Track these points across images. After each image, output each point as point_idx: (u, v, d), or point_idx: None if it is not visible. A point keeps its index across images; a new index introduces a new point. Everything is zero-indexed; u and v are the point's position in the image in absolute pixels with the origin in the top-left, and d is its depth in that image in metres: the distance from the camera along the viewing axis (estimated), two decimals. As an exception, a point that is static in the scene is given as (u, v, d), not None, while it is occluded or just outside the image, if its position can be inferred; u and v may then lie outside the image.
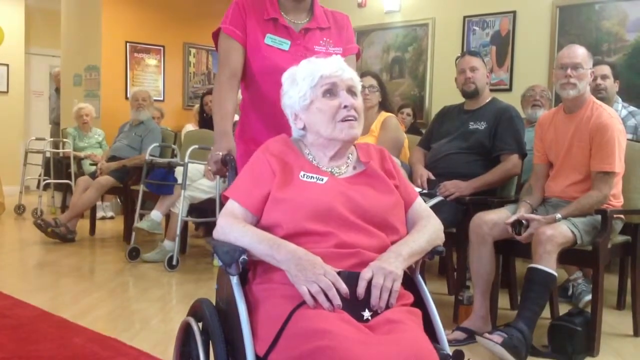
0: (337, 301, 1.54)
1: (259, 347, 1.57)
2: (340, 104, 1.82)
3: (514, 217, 3.19)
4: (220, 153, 2.15)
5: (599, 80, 4.09)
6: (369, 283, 1.59)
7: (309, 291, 1.54)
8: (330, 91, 1.84)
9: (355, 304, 1.57)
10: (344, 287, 1.56)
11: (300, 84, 1.86)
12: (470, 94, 3.86)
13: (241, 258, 1.64)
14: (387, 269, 1.60)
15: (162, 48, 8.67)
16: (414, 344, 1.46)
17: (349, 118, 1.82)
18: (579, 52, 3.26)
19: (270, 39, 2.33)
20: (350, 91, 1.85)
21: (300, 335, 1.48)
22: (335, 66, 1.86)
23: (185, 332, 1.93)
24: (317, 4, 2.45)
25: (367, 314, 1.57)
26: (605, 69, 4.14)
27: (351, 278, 1.59)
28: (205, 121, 6.44)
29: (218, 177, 4.72)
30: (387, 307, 1.59)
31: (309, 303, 1.54)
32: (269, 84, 2.25)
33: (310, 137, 1.88)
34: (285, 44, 2.33)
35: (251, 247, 1.68)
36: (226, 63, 2.35)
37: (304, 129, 1.89)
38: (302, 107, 1.87)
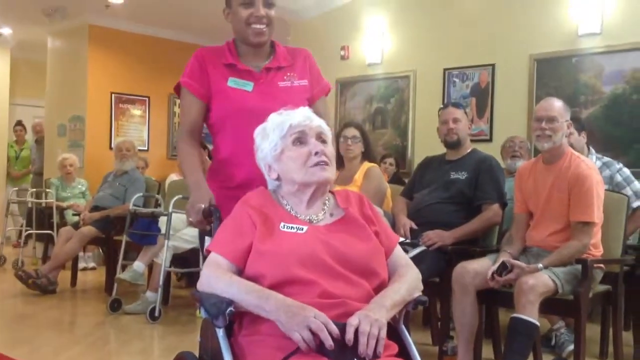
0: (329, 342, 1.54)
1: None
2: (310, 151, 1.85)
3: (499, 262, 3.21)
4: (203, 205, 2.12)
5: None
6: (356, 332, 1.59)
7: (302, 338, 1.55)
8: (300, 139, 1.87)
9: (344, 354, 1.57)
10: (334, 329, 1.57)
11: (270, 136, 1.91)
12: (453, 145, 3.93)
13: (228, 310, 1.65)
14: (372, 317, 1.62)
15: (147, 99, 8.74)
16: None
17: (320, 163, 1.85)
18: (555, 105, 3.35)
19: (233, 82, 2.34)
20: (320, 138, 1.89)
21: None
22: (303, 116, 1.90)
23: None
24: (278, 45, 2.46)
25: None
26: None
27: (338, 328, 1.59)
28: None
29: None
30: (376, 355, 1.59)
31: (303, 348, 1.55)
32: (238, 126, 2.27)
33: (285, 186, 1.91)
34: (248, 85, 2.34)
35: (239, 299, 1.68)
36: (187, 117, 2.39)
37: (278, 179, 1.92)
38: (274, 158, 1.90)
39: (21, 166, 9.48)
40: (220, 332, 1.71)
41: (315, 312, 1.59)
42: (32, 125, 9.72)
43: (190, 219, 2.14)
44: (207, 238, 2.10)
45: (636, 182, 4.18)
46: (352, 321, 1.60)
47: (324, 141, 1.90)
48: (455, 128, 3.88)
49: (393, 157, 6.49)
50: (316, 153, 1.85)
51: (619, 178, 4.17)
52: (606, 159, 4.32)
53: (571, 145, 4.05)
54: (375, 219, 1.93)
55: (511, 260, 3.20)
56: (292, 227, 1.81)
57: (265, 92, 2.31)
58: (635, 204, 4.09)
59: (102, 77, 8.32)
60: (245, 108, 2.27)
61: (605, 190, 3.43)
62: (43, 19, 8.24)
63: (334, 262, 1.74)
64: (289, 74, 2.40)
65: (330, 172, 1.88)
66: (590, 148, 4.34)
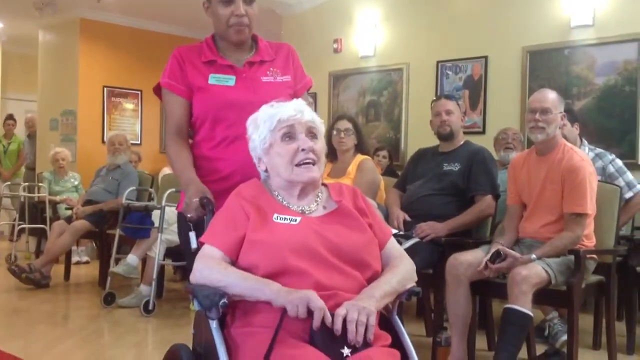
0: (318, 323, 1.57)
1: None
2: (298, 147, 1.84)
3: (493, 250, 3.22)
4: (196, 199, 2.09)
5: None
6: (345, 323, 1.60)
7: (297, 312, 1.57)
8: (289, 134, 1.86)
9: (334, 343, 1.58)
10: (329, 316, 1.59)
11: (260, 128, 1.90)
12: (446, 136, 3.93)
13: (221, 302, 1.65)
14: (360, 305, 1.63)
15: (139, 92, 8.71)
16: None
17: (307, 161, 1.84)
18: (549, 97, 3.36)
19: (214, 79, 2.30)
20: (311, 133, 1.87)
21: None
22: (293, 109, 1.88)
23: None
24: (260, 39, 2.42)
25: (346, 351, 1.58)
26: None
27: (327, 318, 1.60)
28: None
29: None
30: (366, 342, 1.60)
31: (291, 313, 1.57)
32: (221, 120, 2.26)
33: (274, 179, 1.91)
34: (230, 80, 2.30)
35: (236, 286, 1.68)
36: (171, 117, 2.35)
37: (267, 171, 1.92)
38: (263, 151, 1.90)
39: (9, 161, 9.42)
40: (214, 324, 1.71)
41: (316, 294, 1.61)
42: (25, 120, 9.68)
43: (190, 215, 2.10)
44: (191, 234, 2.09)
45: (628, 173, 4.20)
46: (340, 311, 1.61)
47: (314, 136, 1.88)
48: (448, 120, 3.89)
49: (386, 149, 6.49)
50: (303, 150, 1.84)
51: (611, 169, 4.18)
52: (599, 150, 4.33)
53: (564, 137, 4.07)
54: (369, 212, 1.93)
55: (505, 249, 3.21)
56: (285, 218, 1.82)
57: (248, 86, 2.29)
58: (627, 195, 4.10)
59: (94, 70, 8.29)
60: (227, 101, 2.25)
61: (598, 181, 3.44)
62: (34, 13, 8.18)
63: (327, 253, 1.74)
64: (271, 69, 2.37)
65: (317, 171, 1.86)
66: (583, 139, 4.35)
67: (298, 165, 1.84)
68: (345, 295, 1.69)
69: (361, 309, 1.61)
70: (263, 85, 2.31)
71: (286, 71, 2.40)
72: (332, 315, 1.61)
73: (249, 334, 1.68)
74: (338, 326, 1.58)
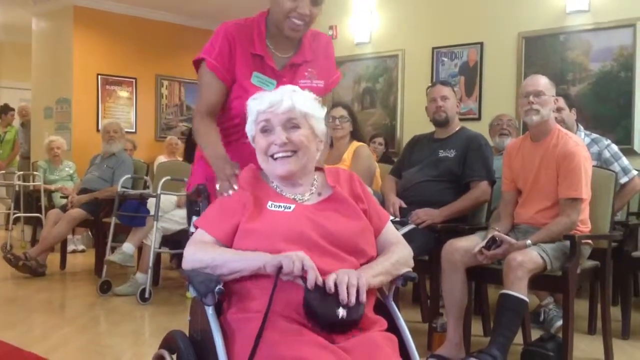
0: (312, 283, 1.60)
1: None
2: (273, 141, 1.83)
3: (489, 236, 3.23)
4: (229, 170, 2.01)
5: (554, 114, 4.17)
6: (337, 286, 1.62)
7: (293, 266, 1.60)
8: (266, 127, 1.85)
9: (328, 303, 1.60)
10: (320, 278, 1.61)
11: (249, 119, 1.91)
12: (441, 123, 3.93)
13: (217, 288, 1.65)
14: (350, 270, 1.66)
15: (134, 80, 8.68)
16: None
17: (280, 155, 1.83)
18: (541, 81, 3.37)
19: (256, 79, 2.23)
20: (291, 122, 1.84)
21: None
22: (271, 100, 1.85)
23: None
24: (305, 34, 2.31)
25: (341, 311, 1.59)
26: (560, 101, 4.21)
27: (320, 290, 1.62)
28: (194, 149, 6.26)
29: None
30: (359, 302, 1.61)
31: (287, 268, 1.61)
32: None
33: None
34: (271, 84, 2.22)
35: (232, 259, 1.70)
36: (207, 98, 2.27)
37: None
38: (251, 141, 1.92)
39: (5, 150, 9.39)
40: (210, 310, 1.71)
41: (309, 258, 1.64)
42: (18, 109, 9.64)
43: (233, 186, 1.96)
44: (194, 218, 2.09)
45: (624, 159, 4.20)
46: (331, 275, 1.63)
47: (295, 126, 1.84)
48: (443, 106, 3.88)
49: (382, 136, 6.48)
50: (277, 145, 1.83)
51: (607, 154, 4.19)
52: (594, 135, 4.33)
53: (562, 121, 4.08)
54: (365, 198, 1.93)
55: (501, 235, 3.22)
56: (279, 205, 1.81)
57: None
58: (623, 180, 4.11)
59: (88, 58, 8.25)
60: None
61: (594, 166, 3.45)
62: (27, 1, 8.14)
63: (321, 240, 1.74)
64: (309, 69, 2.31)
65: (295, 162, 1.84)
66: (579, 125, 4.35)
67: (273, 158, 1.84)
68: None
69: (351, 273, 1.64)
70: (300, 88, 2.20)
71: (322, 75, 2.34)
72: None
73: (244, 320, 1.68)
74: (330, 285, 1.61)
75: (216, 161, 2.11)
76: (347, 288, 1.60)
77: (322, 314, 1.58)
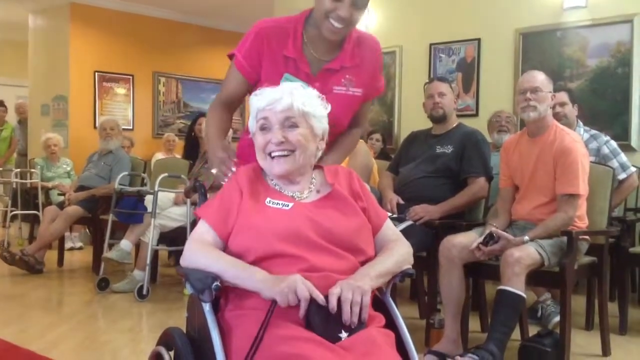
0: (302, 313, 1.57)
1: None
2: (270, 139, 1.82)
3: (487, 232, 3.23)
4: (220, 154, 2.08)
5: (557, 108, 4.17)
6: (340, 303, 1.59)
7: (288, 300, 1.57)
8: (265, 125, 1.84)
9: (331, 325, 1.58)
10: (319, 295, 1.58)
11: (251, 116, 1.91)
12: (438, 119, 3.93)
13: (214, 285, 1.64)
14: (354, 284, 1.62)
15: (131, 77, 8.67)
16: None
17: (277, 154, 1.82)
18: (538, 77, 3.36)
19: (287, 80, 2.12)
20: (289, 121, 1.82)
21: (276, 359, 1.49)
22: (270, 98, 1.83)
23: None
24: (349, 38, 2.23)
25: (344, 335, 1.58)
26: (563, 96, 4.22)
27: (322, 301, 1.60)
28: (192, 145, 6.21)
29: (188, 204, 4.73)
30: (361, 322, 1.60)
31: (282, 304, 1.57)
32: None
33: None
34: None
35: (224, 273, 1.68)
36: (228, 90, 2.32)
37: None
38: (252, 137, 1.91)
39: (1, 148, 9.36)
40: (207, 307, 1.70)
41: (302, 278, 1.60)
42: (15, 106, 9.62)
43: (223, 168, 2.04)
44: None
45: (622, 155, 4.21)
46: (334, 290, 1.61)
47: (293, 125, 1.82)
48: (440, 102, 3.89)
49: (380, 133, 6.48)
50: (273, 143, 1.82)
51: (606, 150, 4.19)
52: (594, 131, 4.34)
53: (565, 116, 4.09)
54: (364, 196, 1.92)
55: (498, 231, 3.22)
56: (277, 203, 1.81)
57: None
58: (621, 176, 4.11)
59: (85, 55, 8.24)
60: None
61: (593, 162, 3.45)
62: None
63: (318, 237, 1.74)
64: (347, 76, 2.24)
65: (292, 162, 1.82)
66: (579, 121, 4.36)
67: (271, 156, 1.84)
68: (337, 276, 1.68)
69: (355, 288, 1.61)
70: (333, 97, 2.13)
71: (360, 83, 2.26)
72: (326, 297, 1.60)
73: (240, 317, 1.67)
74: (333, 304, 1.58)
75: (210, 145, 2.17)
76: (351, 306, 1.58)
77: (324, 335, 1.56)
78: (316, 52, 2.23)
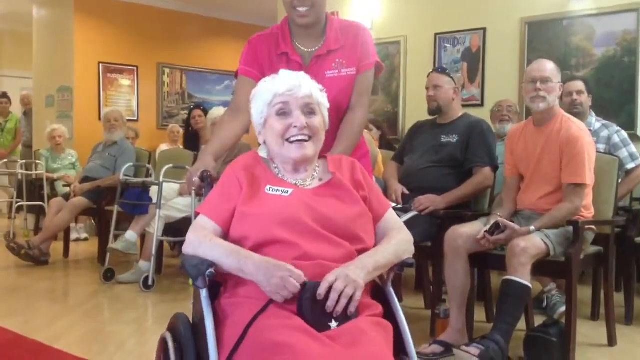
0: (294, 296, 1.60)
1: (223, 356, 1.59)
2: (291, 124, 1.83)
3: (492, 221, 3.22)
4: (196, 176, 2.14)
5: (574, 96, 4.18)
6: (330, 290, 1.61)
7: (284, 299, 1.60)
8: (284, 110, 1.85)
9: (321, 314, 1.59)
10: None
11: (258, 101, 1.89)
12: (433, 112, 3.95)
13: (208, 271, 1.67)
14: (350, 277, 1.62)
15: (135, 68, 8.65)
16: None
17: (298, 138, 1.83)
18: (548, 67, 3.33)
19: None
20: (309, 108, 1.85)
21: (262, 347, 1.51)
22: (290, 84, 1.85)
23: (163, 346, 1.93)
24: (330, 24, 2.46)
25: (334, 324, 1.59)
26: (580, 85, 4.23)
27: (316, 288, 1.61)
28: (191, 137, 6.30)
29: (193, 195, 4.73)
30: (347, 315, 1.60)
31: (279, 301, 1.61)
32: None
33: (271, 152, 1.91)
34: None
35: (220, 261, 1.70)
36: (236, 97, 2.47)
37: (265, 143, 1.92)
38: (260, 124, 1.90)
39: (6, 139, 9.37)
40: (203, 293, 1.73)
41: (292, 270, 1.61)
42: (20, 97, 9.62)
43: (193, 187, 2.18)
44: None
45: (632, 146, 4.21)
46: (329, 277, 1.62)
47: (312, 111, 1.86)
48: (434, 95, 3.89)
49: (379, 122, 6.47)
50: (296, 127, 1.83)
51: (616, 139, 4.19)
52: (604, 121, 4.34)
53: (580, 105, 4.10)
54: (366, 185, 1.92)
55: (504, 220, 3.20)
56: (277, 189, 1.82)
57: None
58: (629, 166, 4.11)
59: (89, 46, 8.22)
60: None
61: (602, 151, 3.43)
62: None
63: (316, 224, 1.74)
64: (337, 60, 2.42)
65: (311, 147, 1.85)
66: (591, 110, 4.35)
67: (290, 141, 1.83)
68: (331, 264, 1.68)
69: (350, 282, 1.61)
70: (326, 81, 2.30)
71: (352, 62, 2.44)
72: (317, 283, 1.62)
73: (235, 305, 1.70)
74: (322, 291, 1.59)
75: (200, 154, 2.34)
76: (340, 297, 1.59)
77: (314, 323, 1.57)
78: (303, 45, 2.45)
